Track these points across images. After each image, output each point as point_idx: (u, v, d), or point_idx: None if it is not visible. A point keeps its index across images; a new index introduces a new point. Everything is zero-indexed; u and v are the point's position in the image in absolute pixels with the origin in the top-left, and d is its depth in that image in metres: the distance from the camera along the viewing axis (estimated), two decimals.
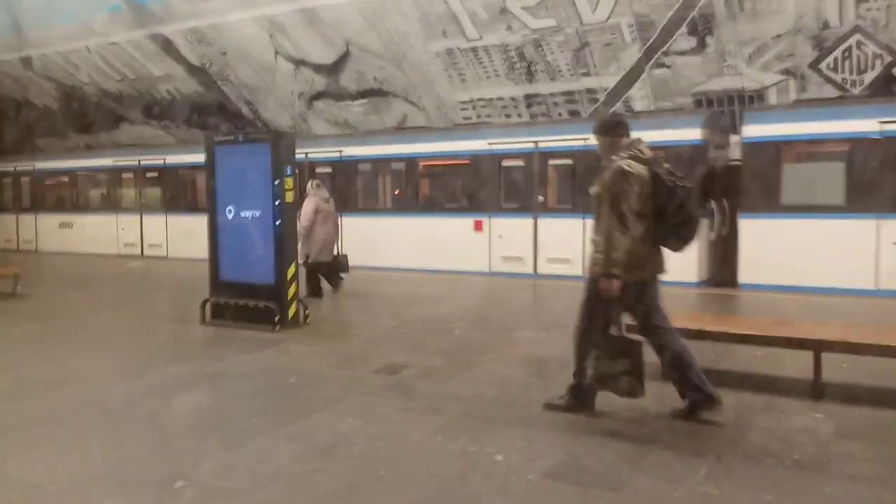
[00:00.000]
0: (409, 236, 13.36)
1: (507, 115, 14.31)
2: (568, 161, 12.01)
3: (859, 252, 9.83)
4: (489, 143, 12.69)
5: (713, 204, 10.94)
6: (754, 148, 10.61)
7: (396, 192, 14.10)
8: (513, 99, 14.06)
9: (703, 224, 10.47)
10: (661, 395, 5.05)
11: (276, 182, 7.56)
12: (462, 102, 14.61)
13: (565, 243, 11.72)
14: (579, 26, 12.41)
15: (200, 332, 7.72)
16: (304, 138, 14.63)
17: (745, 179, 10.71)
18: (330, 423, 4.46)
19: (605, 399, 4.76)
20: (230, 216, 7.93)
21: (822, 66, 11.29)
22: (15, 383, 5.56)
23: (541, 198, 12.29)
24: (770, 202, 10.39)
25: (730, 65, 11.90)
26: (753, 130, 10.65)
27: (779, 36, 11.30)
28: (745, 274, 10.66)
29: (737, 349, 5.94)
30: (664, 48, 12.10)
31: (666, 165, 4.35)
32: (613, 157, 4.34)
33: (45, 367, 6.08)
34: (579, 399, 4.57)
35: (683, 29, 11.75)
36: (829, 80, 11.33)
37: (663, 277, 4.49)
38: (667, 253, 4.44)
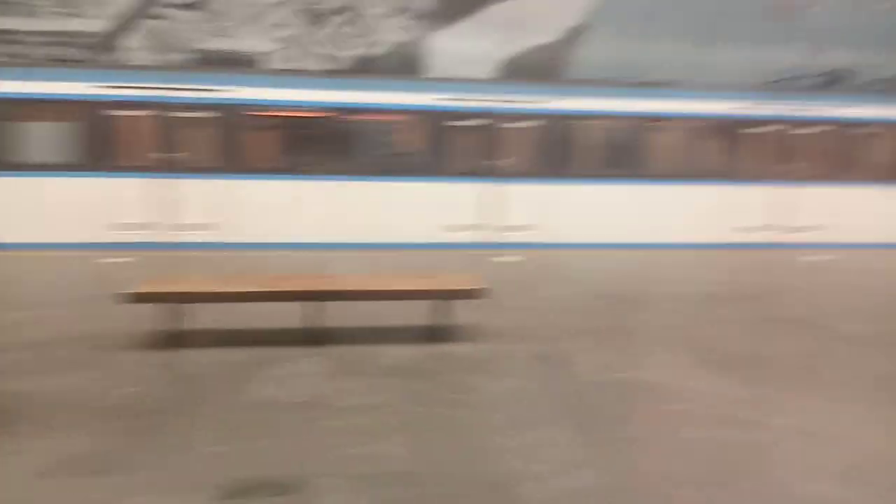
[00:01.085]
0: None
1: None
2: None
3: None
4: None
5: None
6: None
7: None
8: None
9: None
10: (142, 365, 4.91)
11: None
12: None
13: None
14: None
15: None
16: None
17: None
18: None
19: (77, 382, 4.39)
20: None
21: (315, 38, 12.27)
22: None
23: None
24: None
25: (226, 26, 11.99)
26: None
27: (276, 4, 11.82)
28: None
29: (236, 307, 5.81)
30: None
31: None
32: None
33: None
34: None
35: None
36: (319, 53, 12.40)
37: None
38: None
